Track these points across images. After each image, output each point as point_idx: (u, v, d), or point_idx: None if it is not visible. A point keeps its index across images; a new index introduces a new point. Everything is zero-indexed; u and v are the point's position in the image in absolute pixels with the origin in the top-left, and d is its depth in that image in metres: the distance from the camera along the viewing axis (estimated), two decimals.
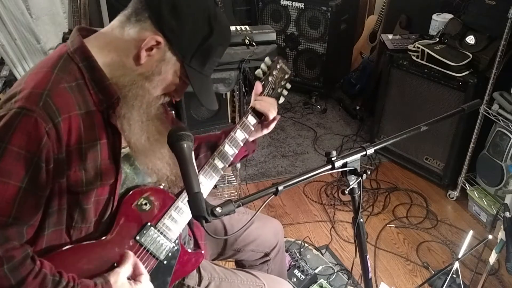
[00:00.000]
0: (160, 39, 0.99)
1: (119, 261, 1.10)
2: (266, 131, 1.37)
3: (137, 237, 1.14)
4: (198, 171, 1.21)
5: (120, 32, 1.02)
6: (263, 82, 1.33)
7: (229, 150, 1.28)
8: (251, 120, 1.31)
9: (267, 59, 1.34)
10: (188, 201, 0.87)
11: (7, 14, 2.60)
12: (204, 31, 1.02)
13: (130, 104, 1.04)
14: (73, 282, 0.98)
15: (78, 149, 0.99)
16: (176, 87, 1.09)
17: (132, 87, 1.03)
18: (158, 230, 1.17)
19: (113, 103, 1.02)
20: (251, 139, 1.37)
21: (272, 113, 1.31)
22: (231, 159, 1.28)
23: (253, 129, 1.31)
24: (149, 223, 1.16)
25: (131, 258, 1.11)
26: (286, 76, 1.37)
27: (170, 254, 1.20)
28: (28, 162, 0.90)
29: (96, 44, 1.02)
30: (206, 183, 1.23)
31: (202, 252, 1.28)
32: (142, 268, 1.12)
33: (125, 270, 1.08)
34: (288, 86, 1.38)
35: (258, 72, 1.33)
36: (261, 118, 1.32)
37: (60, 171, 0.96)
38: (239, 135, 1.29)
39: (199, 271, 1.33)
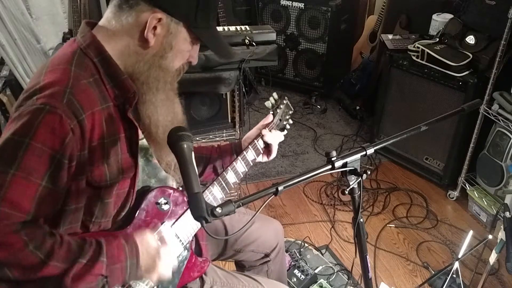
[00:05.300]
0: (159, 15, 0.98)
1: None
2: (265, 159, 1.45)
3: (155, 235, 1.14)
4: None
5: (117, 22, 1.01)
6: (272, 112, 1.46)
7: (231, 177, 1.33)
8: (250, 155, 1.37)
9: (274, 93, 1.50)
10: (188, 201, 0.87)
11: (7, 14, 2.60)
12: None
13: (154, 87, 1.05)
14: (96, 243, 0.97)
15: (101, 144, 0.99)
16: (190, 52, 1.09)
17: (150, 71, 1.03)
18: (174, 232, 1.17)
19: (129, 98, 1.03)
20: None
21: (275, 148, 1.42)
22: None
23: (252, 163, 1.38)
24: (166, 223, 1.16)
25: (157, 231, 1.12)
26: (290, 112, 1.53)
27: (181, 257, 1.20)
28: (51, 159, 0.90)
29: (100, 37, 1.02)
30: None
31: (208, 259, 1.30)
32: (167, 239, 1.13)
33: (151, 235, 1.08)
34: (291, 121, 1.53)
35: (268, 103, 1.47)
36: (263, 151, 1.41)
37: (81, 169, 0.96)
38: (240, 167, 1.34)
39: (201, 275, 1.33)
